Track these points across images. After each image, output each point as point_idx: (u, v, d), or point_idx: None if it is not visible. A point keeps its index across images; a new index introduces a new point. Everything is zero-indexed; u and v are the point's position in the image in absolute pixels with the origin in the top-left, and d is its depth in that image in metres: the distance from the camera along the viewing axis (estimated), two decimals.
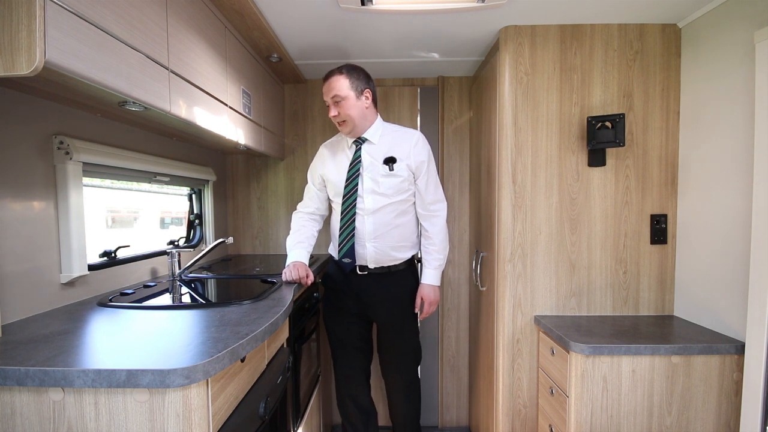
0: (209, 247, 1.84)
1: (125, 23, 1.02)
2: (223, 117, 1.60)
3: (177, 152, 1.96)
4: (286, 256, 1.82)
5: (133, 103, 1.13)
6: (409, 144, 1.79)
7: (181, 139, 1.91)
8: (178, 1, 1.27)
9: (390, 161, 1.76)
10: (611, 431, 1.52)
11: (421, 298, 1.88)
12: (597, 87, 1.80)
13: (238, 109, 1.76)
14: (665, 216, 1.80)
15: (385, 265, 1.82)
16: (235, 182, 2.61)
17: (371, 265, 1.81)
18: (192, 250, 2.12)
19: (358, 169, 1.77)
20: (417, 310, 1.90)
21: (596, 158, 1.80)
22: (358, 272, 1.82)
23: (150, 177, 1.77)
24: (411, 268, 1.92)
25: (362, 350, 1.95)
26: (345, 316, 1.89)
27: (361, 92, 1.75)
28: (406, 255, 1.87)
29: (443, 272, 2.40)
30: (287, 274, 1.66)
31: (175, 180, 1.97)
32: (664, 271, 1.82)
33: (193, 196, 2.26)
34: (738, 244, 1.48)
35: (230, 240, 1.89)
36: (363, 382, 2.00)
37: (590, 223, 1.82)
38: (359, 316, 1.89)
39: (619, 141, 1.70)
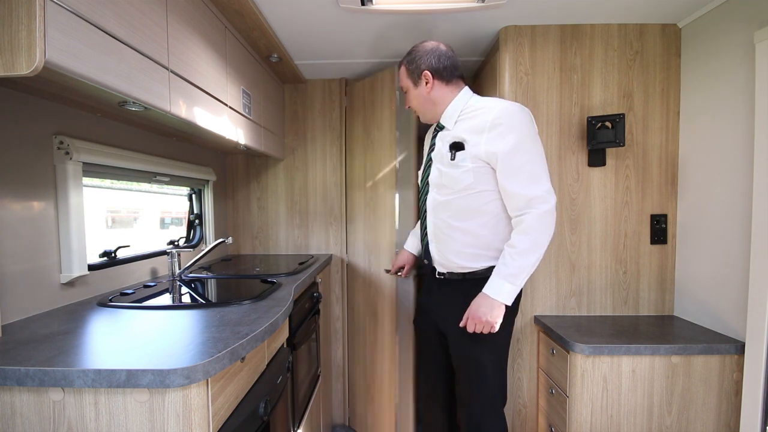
0: (209, 247, 1.84)
1: (125, 23, 1.02)
2: (223, 117, 1.60)
3: (177, 152, 1.96)
4: (285, 256, 1.82)
5: (133, 103, 1.13)
6: (483, 125, 1.37)
7: (181, 139, 1.91)
8: (178, 1, 1.27)
9: (454, 147, 1.42)
10: (611, 431, 1.52)
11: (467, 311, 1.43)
12: (597, 87, 1.80)
13: (238, 109, 1.76)
14: (665, 216, 1.80)
15: (454, 271, 1.50)
16: (235, 182, 2.61)
17: (438, 269, 1.55)
18: (192, 250, 2.12)
19: (431, 159, 1.54)
20: (461, 325, 1.43)
21: (596, 158, 1.80)
22: (436, 276, 1.57)
23: (150, 177, 1.77)
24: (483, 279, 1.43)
25: (440, 369, 1.62)
26: (425, 323, 1.66)
27: (419, 77, 1.48)
28: (477, 264, 1.45)
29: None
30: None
31: (175, 180, 1.97)
32: (664, 271, 1.82)
33: (193, 196, 2.26)
34: (738, 244, 1.48)
35: (230, 240, 1.88)
36: (440, 409, 1.65)
37: (590, 223, 1.82)
38: (434, 325, 1.61)
39: (619, 141, 1.70)
